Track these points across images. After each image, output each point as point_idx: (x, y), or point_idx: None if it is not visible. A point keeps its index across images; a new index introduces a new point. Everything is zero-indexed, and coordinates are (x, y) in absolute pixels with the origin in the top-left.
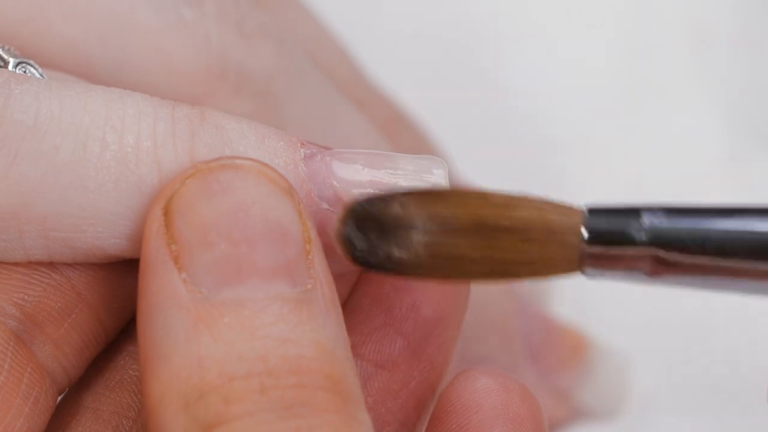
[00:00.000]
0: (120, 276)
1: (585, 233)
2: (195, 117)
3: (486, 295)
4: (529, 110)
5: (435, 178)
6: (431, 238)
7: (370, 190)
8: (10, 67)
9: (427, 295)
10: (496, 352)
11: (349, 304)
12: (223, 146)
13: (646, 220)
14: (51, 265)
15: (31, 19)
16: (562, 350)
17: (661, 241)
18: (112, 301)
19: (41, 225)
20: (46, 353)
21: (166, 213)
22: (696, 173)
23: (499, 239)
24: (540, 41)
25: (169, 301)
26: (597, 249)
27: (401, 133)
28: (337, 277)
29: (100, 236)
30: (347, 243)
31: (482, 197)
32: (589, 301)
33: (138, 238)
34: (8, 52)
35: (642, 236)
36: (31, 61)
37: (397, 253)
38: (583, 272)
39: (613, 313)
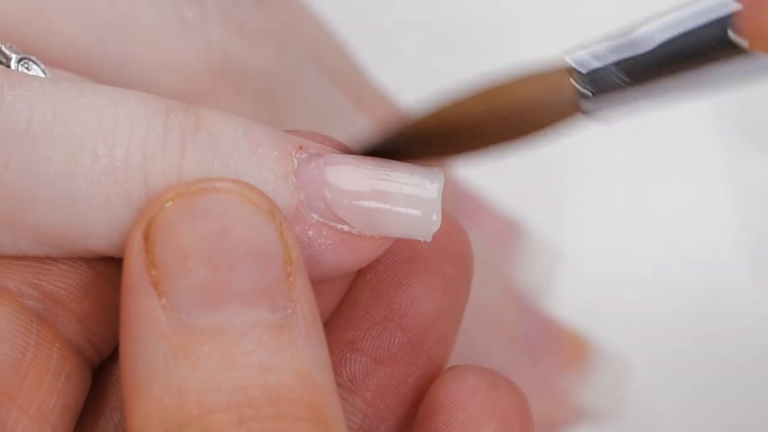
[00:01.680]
0: None
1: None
2: (189, 125)
3: (486, 296)
4: None
5: (429, 191)
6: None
7: (362, 200)
8: (12, 63)
9: (428, 289)
10: (496, 353)
11: (348, 298)
12: (213, 160)
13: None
14: None
15: (32, 19)
16: (563, 351)
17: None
18: None
19: (33, 233)
20: (72, 330)
21: (146, 237)
22: (695, 173)
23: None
24: (540, 42)
25: (149, 327)
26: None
27: None
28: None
29: (92, 246)
30: None
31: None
32: (589, 302)
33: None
34: (10, 48)
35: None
36: (34, 57)
37: None
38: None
39: (614, 315)
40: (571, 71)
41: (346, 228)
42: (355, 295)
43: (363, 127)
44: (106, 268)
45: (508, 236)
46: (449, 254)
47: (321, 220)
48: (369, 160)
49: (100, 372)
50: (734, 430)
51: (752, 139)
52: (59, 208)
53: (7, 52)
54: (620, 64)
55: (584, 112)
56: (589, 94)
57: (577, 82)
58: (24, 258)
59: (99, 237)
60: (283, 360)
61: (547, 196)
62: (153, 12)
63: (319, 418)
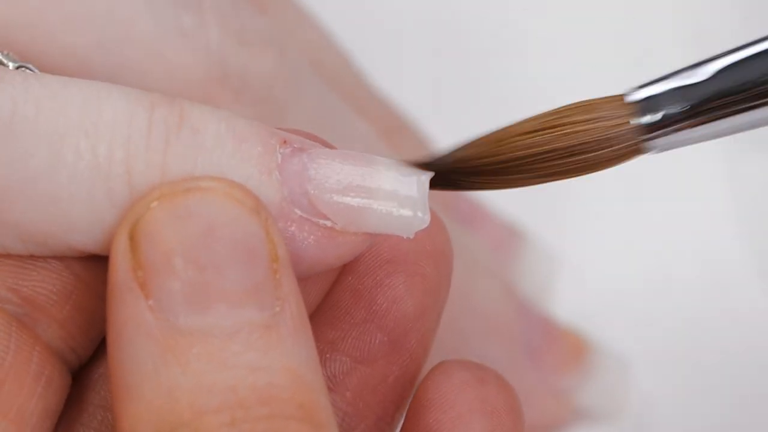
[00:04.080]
0: None
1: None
2: (173, 120)
3: (486, 297)
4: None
5: (411, 189)
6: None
7: (345, 196)
8: None
9: (409, 289)
10: (496, 354)
11: (330, 298)
12: (197, 156)
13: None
14: None
15: (31, 26)
16: (562, 351)
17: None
18: None
19: (16, 230)
20: (52, 334)
21: (132, 238)
22: (695, 174)
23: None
24: (541, 46)
25: (136, 328)
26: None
27: (402, 139)
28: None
29: (74, 243)
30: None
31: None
32: (588, 303)
33: (109, 245)
34: (7, 56)
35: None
36: (31, 65)
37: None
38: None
39: (613, 315)
40: (631, 107)
41: (328, 224)
42: (336, 296)
43: (363, 133)
44: (88, 273)
45: (508, 241)
46: (430, 254)
47: (304, 215)
48: (353, 154)
49: (80, 372)
50: (734, 430)
51: (752, 140)
52: (41, 205)
53: (4, 60)
54: (679, 94)
55: (644, 151)
56: (649, 130)
57: (637, 118)
58: (6, 260)
59: (82, 234)
60: (273, 359)
61: (546, 197)
62: (152, 19)
63: (310, 417)
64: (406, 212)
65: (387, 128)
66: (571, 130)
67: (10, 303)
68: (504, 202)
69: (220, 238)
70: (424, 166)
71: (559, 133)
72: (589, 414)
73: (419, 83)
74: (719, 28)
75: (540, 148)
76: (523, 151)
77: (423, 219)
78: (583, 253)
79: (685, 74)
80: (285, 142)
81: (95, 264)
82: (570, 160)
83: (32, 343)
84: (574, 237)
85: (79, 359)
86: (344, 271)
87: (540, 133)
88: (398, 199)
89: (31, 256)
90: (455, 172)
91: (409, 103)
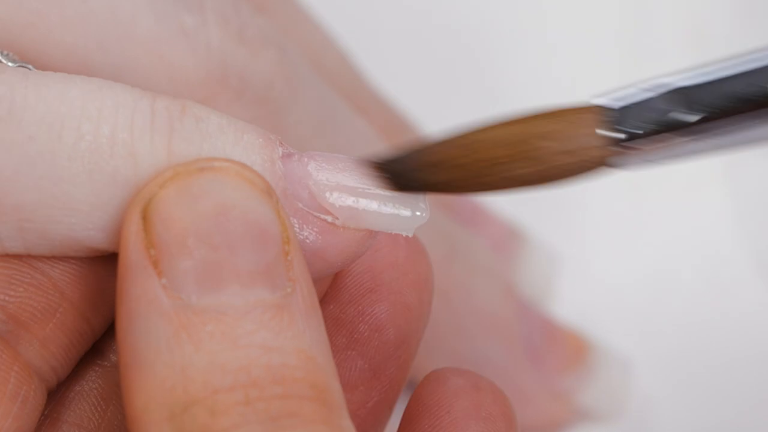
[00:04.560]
0: (103, 274)
1: (612, 134)
2: (175, 109)
3: (487, 297)
4: None
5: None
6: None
7: (344, 195)
8: None
9: (392, 318)
10: (496, 354)
11: None
12: (202, 141)
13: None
14: (32, 265)
15: (31, 26)
16: (563, 352)
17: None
18: (97, 299)
19: (15, 215)
20: (32, 352)
21: (145, 217)
22: (694, 175)
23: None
24: (541, 45)
25: (149, 307)
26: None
27: (401, 137)
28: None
29: (74, 227)
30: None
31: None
32: (589, 303)
33: (112, 230)
34: (7, 57)
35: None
36: (31, 66)
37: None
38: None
39: (614, 315)
40: (601, 112)
41: (329, 219)
42: None
43: (363, 132)
44: (73, 292)
45: (508, 241)
46: (413, 283)
47: (305, 209)
48: (350, 158)
49: (56, 389)
50: (735, 430)
51: None
52: (42, 186)
53: (4, 60)
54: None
55: (611, 165)
56: (621, 137)
57: (607, 125)
58: None
59: (84, 218)
60: (285, 340)
61: (547, 197)
62: (153, 19)
63: (323, 398)
64: (405, 212)
65: (387, 127)
66: (534, 145)
67: None
68: (504, 202)
69: (234, 218)
70: (383, 165)
71: (523, 148)
72: (590, 414)
73: (419, 82)
74: (719, 28)
75: (504, 165)
76: (486, 163)
77: (422, 217)
78: (583, 253)
79: (667, 83)
80: (281, 143)
81: (82, 282)
82: (531, 170)
83: (11, 361)
84: (575, 237)
85: (58, 378)
86: (326, 299)
87: (505, 146)
88: (393, 200)
89: (18, 271)
90: (415, 170)
91: (410, 102)
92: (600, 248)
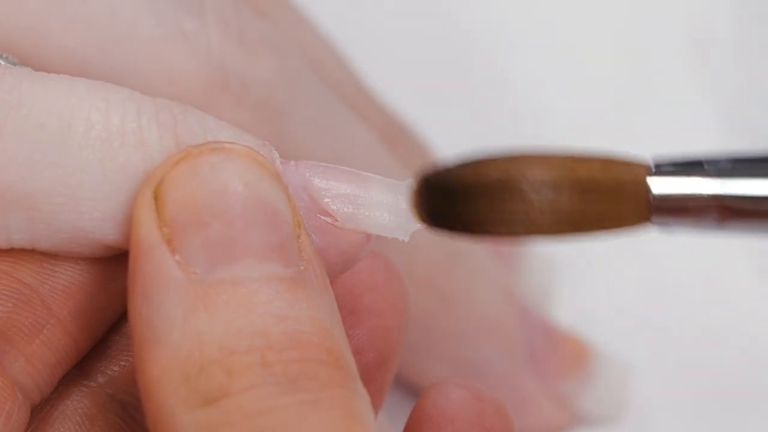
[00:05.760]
0: (92, 291)
1: (652, 187)
2: (176, 107)
3: (487, 302)
4: (531, 120)
5: (399, 202)
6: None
7: (341, 201)
8: None
9: (372, 341)
10: (497, 359)
11: None
12: (205, 133)
13: (711, 169)
14: (21, 280)
15: (32, 29)
16: (563, 357)
17: (727, 189)
18: (84, 317)
19: (26, 204)
20: (17, 369)
21: (156, 197)
22: None
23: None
24: (540, 49)
25: (164, 283)
26: (665, 201)
27: (402, 143)
28: None
29: (83, 217)
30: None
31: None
32: (589, 308)
33: (121, 220)
34: (7, 59)
35: (707, 187)
36: (30, 69)
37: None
38: (651, 222)
39: (614, 319)
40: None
41: (329, 220)
42: None
43: (364, 137)
44: (62, 309)
45: (509, 246)
46: (390, 303)
47: (306, 208)
48: (348, 169)
49: (40, 406)
50: None
51: (752, 140)
52: (53, 174)
53: (4, 63)
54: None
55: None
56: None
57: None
58: None
59: (91, 206)
60: (301, 310)
61: None
62: (153, 23)
63: (340, 365)
64: (397, 220)
65: (388, 132)
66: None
67: None
68: None
69: (247, 196)
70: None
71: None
72: (591, 419)
73: (420, 87)
74: (719, 29)
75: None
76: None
77: (418, 223)
78: (584, 257)
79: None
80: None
81: (70, 299)
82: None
83: None
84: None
85: (42, 395)
86: None
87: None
88: (388, 208)
89: (6, 286)
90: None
91: (410, 107)
92: (600, 252)
